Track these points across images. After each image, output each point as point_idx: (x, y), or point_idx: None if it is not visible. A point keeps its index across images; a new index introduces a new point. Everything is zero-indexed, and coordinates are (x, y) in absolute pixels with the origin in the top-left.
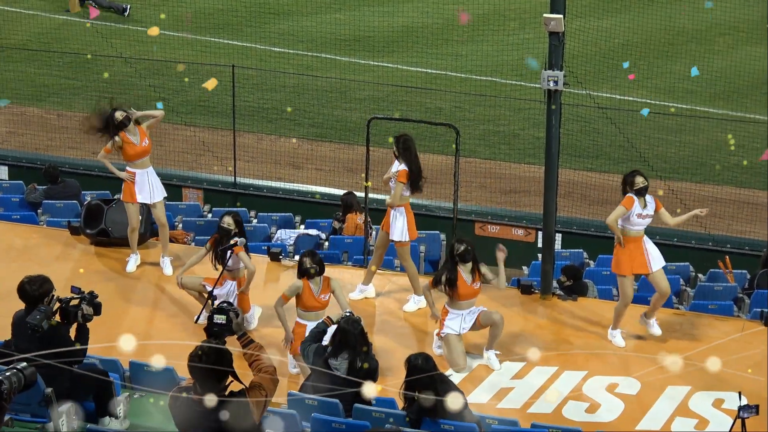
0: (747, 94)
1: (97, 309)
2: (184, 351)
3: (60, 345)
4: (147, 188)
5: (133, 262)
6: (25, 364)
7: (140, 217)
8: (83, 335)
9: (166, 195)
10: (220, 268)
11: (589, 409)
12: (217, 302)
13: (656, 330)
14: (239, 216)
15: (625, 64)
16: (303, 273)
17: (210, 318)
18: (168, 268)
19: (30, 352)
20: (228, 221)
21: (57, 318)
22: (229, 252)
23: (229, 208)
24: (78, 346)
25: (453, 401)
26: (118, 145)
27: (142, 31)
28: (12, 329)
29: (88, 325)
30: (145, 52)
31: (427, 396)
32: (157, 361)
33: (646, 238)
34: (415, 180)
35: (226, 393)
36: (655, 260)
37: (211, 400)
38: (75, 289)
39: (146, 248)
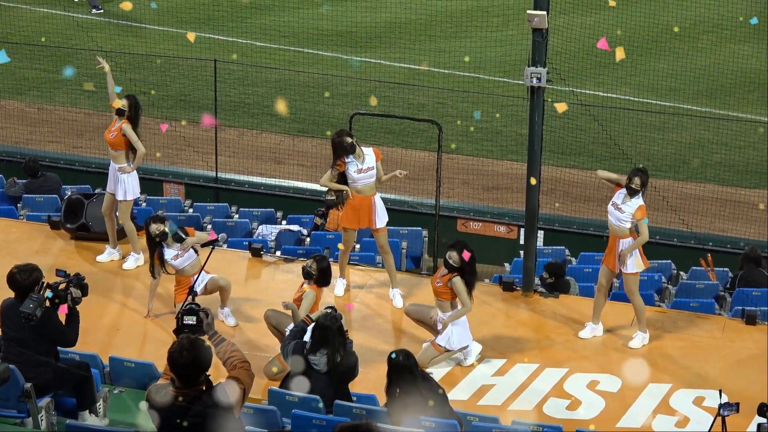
0: (731, 92)
1: (85, 290)
2: (163, 346)
3: (50, 329)
4: (113, 181)
5: (113, 256)
6: None
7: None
8: (74, 318)
9: (126, 199)
10: (170, 269)
11: (570, 407)
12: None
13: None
14: (159, 216)
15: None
16: (326, 282)
17: (180, 319)
18: (130, 263)
19: (21, 339)
20: (153, 229)
21: (47, 303)
22: (178, 251)
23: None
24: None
25: (433, 398)
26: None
27: (123, 24)
28: (1, 318)
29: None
30: (126, 46)
31: (408, 391)
32: None
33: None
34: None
35: (204, 388)
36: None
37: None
38: (60, 273)
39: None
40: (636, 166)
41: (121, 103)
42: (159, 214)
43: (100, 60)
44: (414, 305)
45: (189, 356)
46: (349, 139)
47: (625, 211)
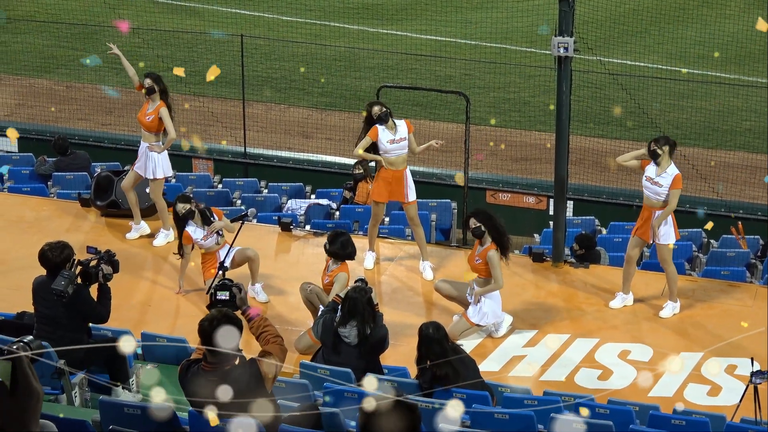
0: (760, 59)
1: (116, 267)
2: (195, 322)
3: (82, 307)
4: (143, 160)
5: (141, 231)
6: (31, 337)
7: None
8: (105, 295)
9: (157, 177)
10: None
11: (602, 377)
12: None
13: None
14: (187, 195)
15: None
16: (347, 254)
17: (213, 295)
18: (160, 239)
19: (53, 317)
20: (179, 208)
21: (78, 280)
22: (206, 232)
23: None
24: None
25: (465, 369)
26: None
27: (149, 1)
28: (33, 295)
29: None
30: (152, 22)
31: (438, 363)
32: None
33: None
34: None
35: (236, 362)
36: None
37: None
38: (91, 250)
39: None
40: (662, 134)
41: (147, 83)
42: (186, 194)
43: (111, 46)
44: (444, 281)
45: (220, 324)
46: (377, 108)
47: (663, 184)
